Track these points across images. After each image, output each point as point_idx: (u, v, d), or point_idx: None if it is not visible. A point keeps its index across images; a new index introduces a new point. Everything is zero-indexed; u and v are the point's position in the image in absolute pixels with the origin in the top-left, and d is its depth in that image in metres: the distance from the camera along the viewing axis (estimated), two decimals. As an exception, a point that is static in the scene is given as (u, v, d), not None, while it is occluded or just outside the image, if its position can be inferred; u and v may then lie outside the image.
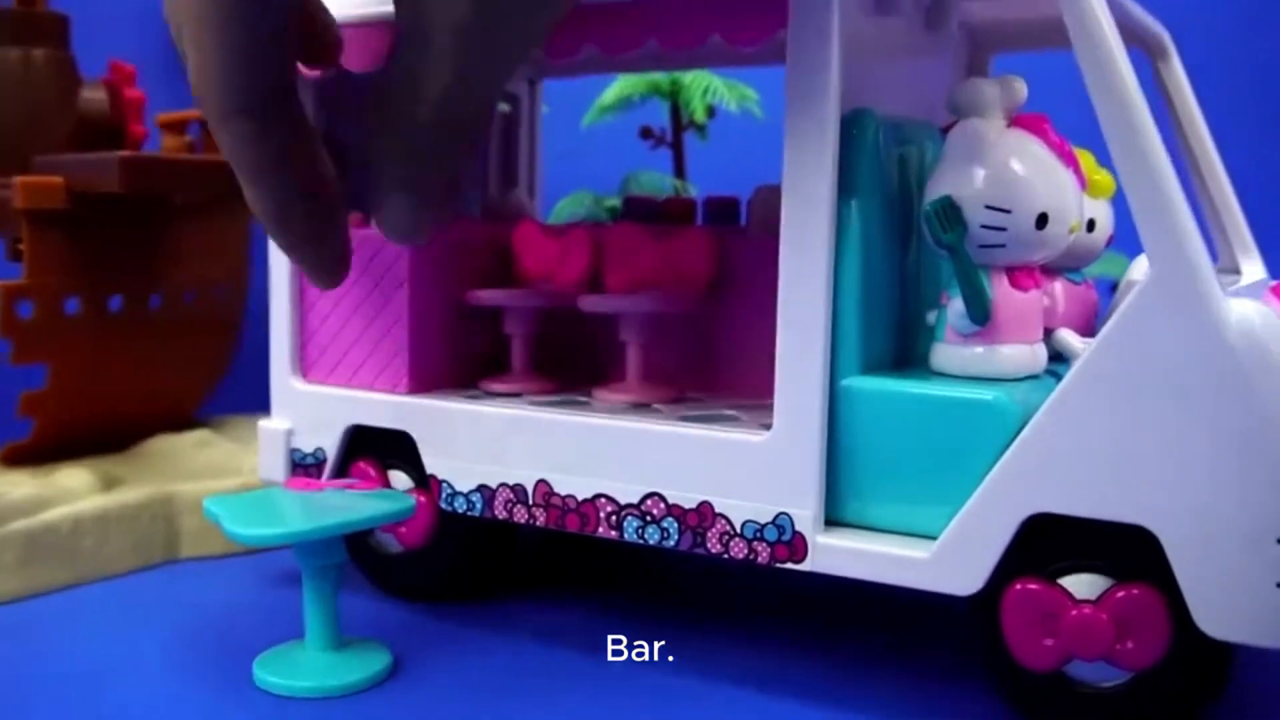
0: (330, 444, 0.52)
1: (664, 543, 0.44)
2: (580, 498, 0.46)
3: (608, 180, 0.75)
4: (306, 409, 0.53)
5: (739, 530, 0.42)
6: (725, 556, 0.43)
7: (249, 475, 0.58)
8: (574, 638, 0.48)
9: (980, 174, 0.40)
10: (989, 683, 0.41)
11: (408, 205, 0.39)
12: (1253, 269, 0.50)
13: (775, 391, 0.41)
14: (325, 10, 0.43)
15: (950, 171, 0.40)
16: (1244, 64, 0.82)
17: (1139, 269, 0.49)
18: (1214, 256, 0.51)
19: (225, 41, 0.35)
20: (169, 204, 0.64)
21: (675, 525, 0.44)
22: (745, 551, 0.42)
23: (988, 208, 0.40)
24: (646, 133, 0.76)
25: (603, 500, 0.45)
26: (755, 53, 0.44)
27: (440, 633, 0.48)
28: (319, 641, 0.44)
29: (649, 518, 0.44)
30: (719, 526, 0.43)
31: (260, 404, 0.55)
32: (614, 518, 0.45)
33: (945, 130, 0.48)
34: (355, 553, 0.53)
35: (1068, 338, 0.44)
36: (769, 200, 0.53)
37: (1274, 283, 0.45)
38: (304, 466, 0.53)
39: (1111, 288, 0.71)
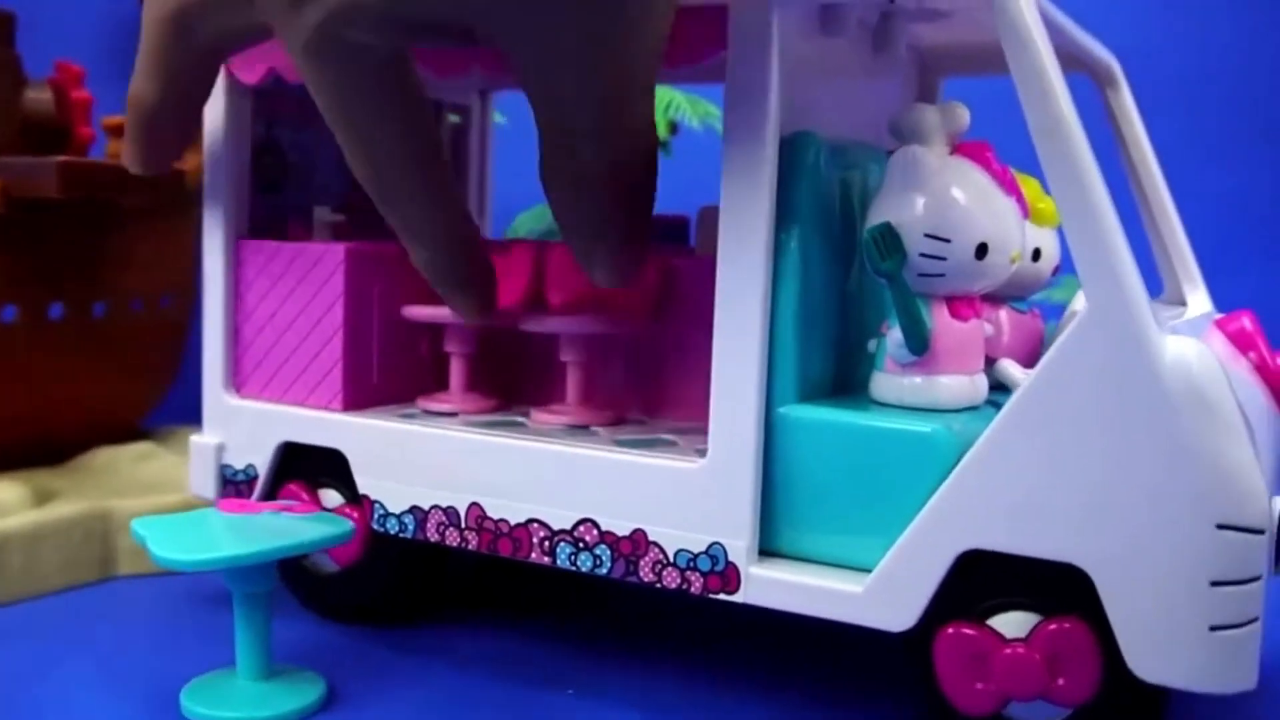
0: (261, 461, 0.51)
1: (596, 570, 0.43)
2: (513, 522, 0.45)
3: None
4: (238, 424, 0.52)
5: (672, 559, 0.41)
6: (658, 586, 0.42)
7: (188, 491, 0.57)
8: (510, 666, 0.47)
9: (920, 202, 0.39)
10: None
11: (608, 251, 0.41)
12: (1198, 301, 0.49)
13: (710, 418, 0.40)
14: None
15: (890, 198, 0.40)
16: (1196, 90, 0.82)
17: (1081, 300, 0.48)
18: (1160, 288, 0.51)
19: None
20: (116, 209, 0.62)
21: (608, 552, 0.43)
22: (678, 581, 0.41)
23: (927, 236, 0.39)
24: None
25: (535, 525, 0.44)
26: (708, 70, 0.43)
27: (374, 660, 0.47)
28: (250, 670, 0.42)
29: (582, 544, 0.43)
30: (652, 555, 0.42)
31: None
32: (546, 543, 0.44)
33: (890, 154, 0.48)
34: (285, 573, 0.51)
35: (1009, 368, 0.43)
36: (715, 220, 0.52)
37: (1218, 316, 0.44)
38: (234, 483, 0.52)
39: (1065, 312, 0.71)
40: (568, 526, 0.43)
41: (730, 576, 0.40)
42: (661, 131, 0.70)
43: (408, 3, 0.35)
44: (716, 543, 0.41)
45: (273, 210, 0.54)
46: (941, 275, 0.39)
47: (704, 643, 0.50)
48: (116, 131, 0.70)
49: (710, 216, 0.52)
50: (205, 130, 0.52)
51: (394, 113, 0.39)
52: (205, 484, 0.52)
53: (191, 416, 0.68)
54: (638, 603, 0.55)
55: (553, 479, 0.44)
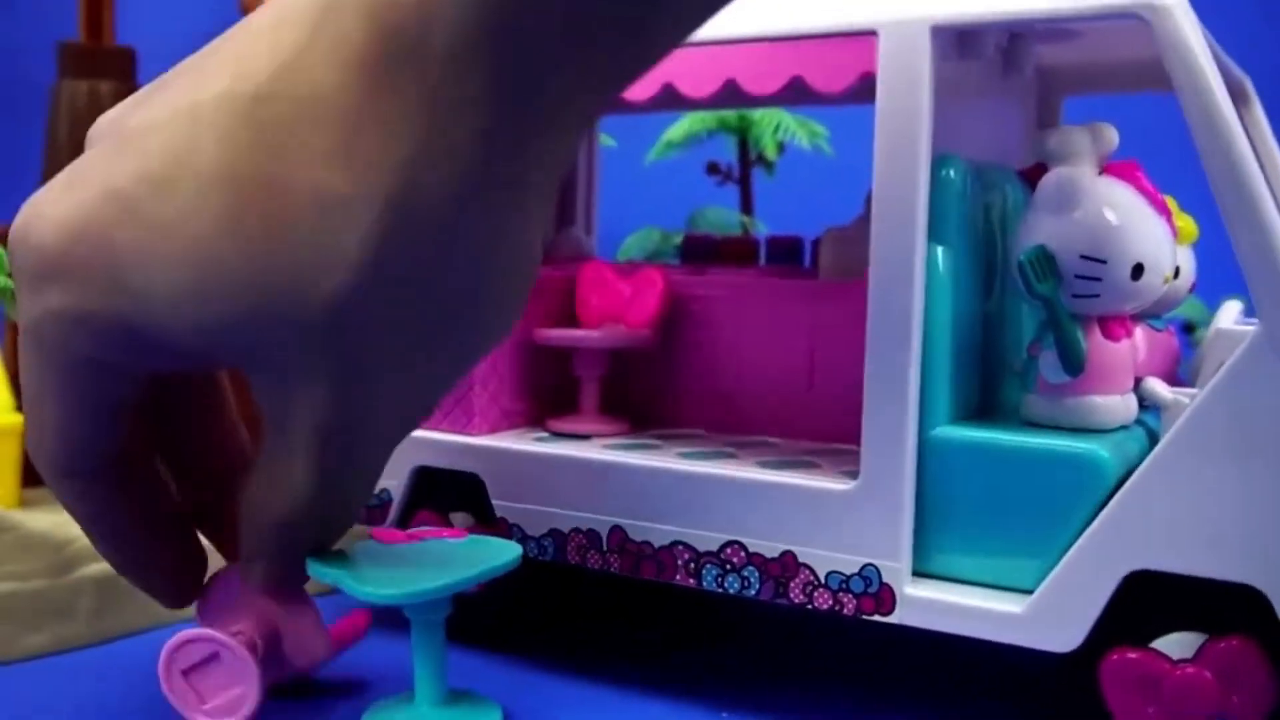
0: (396, 486, 0.52)
1: (744, 591, 0.43)
2: (657, 545, 0.45)
3: (672, 215, 0.75)
4: (373, 449, 0.52)
5: (823, 580, 0.42)
6: (809, 607, 0.42)
7: None
8: (658, 683, 0.47)
9: (1074, 223, 0.39)
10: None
11: (269, 572, 0.40)
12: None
13: (862, 439, 0.41)
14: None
15: (1043, 221, 0.40)
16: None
17: (1227, 316, 0.48)
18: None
19: (52, 417, 0.37)
20: None
21: (756, 574, 0.43)
22: (830, 603, 0.41)
23: (1083, 258, 0.39)
24: (713, 168, 0.76)
25: (680, 547, 0.44)
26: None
27: (534, 682, 0.47)
28: (429, 696, 0.42)
29: (729, 566, 0.43)
30: (802, 576, 0.42)
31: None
32: (692, 565, 0.44)
33: (1023, 174, 0.48)
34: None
35: (1156, 387, 0.43)
36: (838, 243, 0.52)
37: None
38: (368, 508, 0.53)
39: (1182, 328, 0.70)
40: (714, 549, 0.44)
41: (885, 598, 0.40)
42: (770, 152, 0.71)
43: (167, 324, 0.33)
44: (870, 564, 0.41)
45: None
46: (1096, 296, 0.39)
47: (852, 664, 0.50)
48: None
49: (834, 240, 0.53)
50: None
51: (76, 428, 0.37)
52: (340, 508, 0.53)
53: None
54: (777, 624, 0.55)
55: (699, 501, 0.44)
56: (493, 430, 0.51)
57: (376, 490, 0.52)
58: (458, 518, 0.51)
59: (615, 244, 0.71)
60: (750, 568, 0.43)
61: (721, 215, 0.73)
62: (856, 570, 0.41)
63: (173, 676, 0.41)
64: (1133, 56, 0.49)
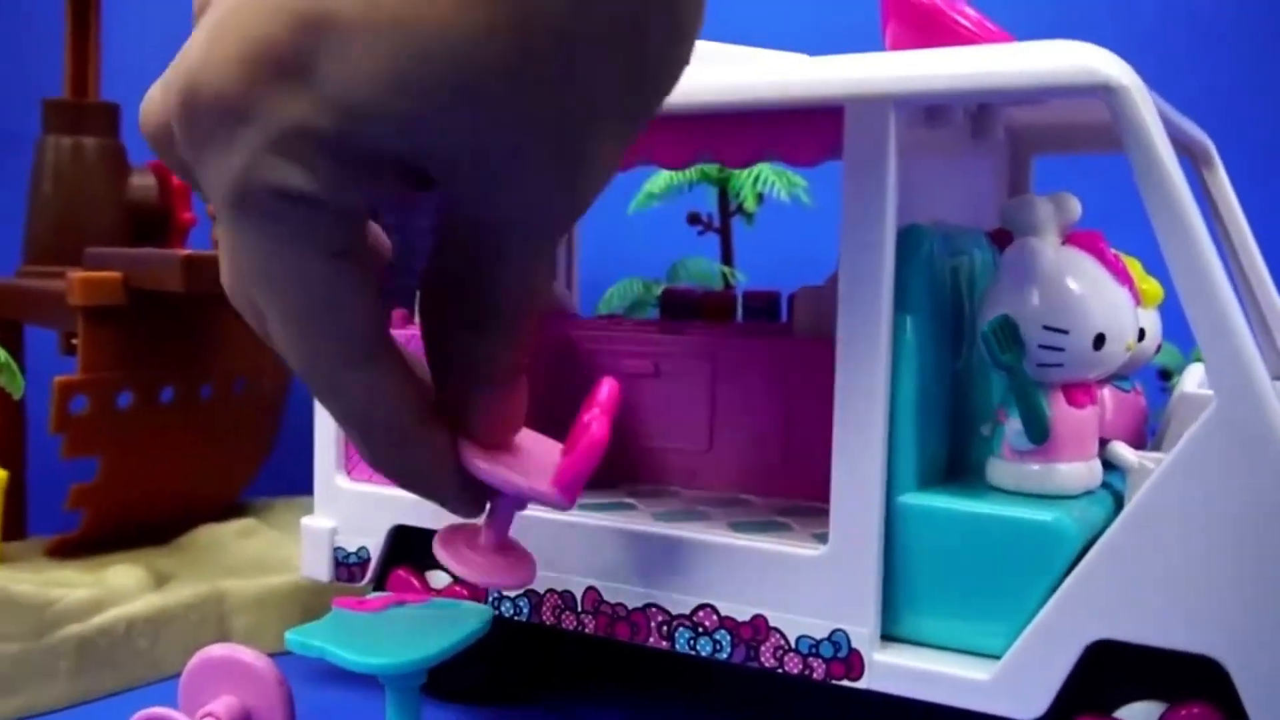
0: (374, 544, 0.52)
1: (716, 654, 0.44)
2: (630, 606, 0.45)
3: (654, 265, 0.76)
4: (350, 507, 0.53)
5: (794, 645, 0.42)
6: (779, 671, 0.42)
7: (296, 571, 0.58)
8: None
9: (1037, 294, 0.40)
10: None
11: (491, 398, 0.36)
12: (1302, 376, 0.50)
13: (831, 505, 0.41)
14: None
15: (1007, 291, 0.41)
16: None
17: (1192, 380, 0.49)
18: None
19: (305, 302, 0.33)
20: (221, 296, 0.64)
21: (728, 638, 0.43)
22: (800, 667, 0.42)
23: (1045, 328, 0.40)
24: (694, 219, 0.76)
25: (653, 609, 0.45)
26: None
27: None
28: None
29: (701, 629, 0.44)
30: (773, 640, 0.42)
31: (299, 486, 0.55)
32: (665, 628, 0.45)
33: (991, 236, 0.49)
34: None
35: (1122, 451, 0.43)
36: (812, 301, 0.53)
37: None
38: (346, 565, 0.53)
39: (1158, 374, 0.71)
40: (686, 611, 0.44)
41: (854, 663, 0.41)
42: (750, 204, 0.72)
43: (369, 124, 0.30)
44: (839, 629, 0.41)
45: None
46: (1060, 365, 0.40)
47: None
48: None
49: (808, 298, 0.53)
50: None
51: (337, 297, 0.32)
52: (319, 567, 0.53)
53: (284, 488, 0.71)
54: (754, 681, 0.55)
55: (671, 563, 0.44)
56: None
57: (354, 549, 0.53)
58: (435, 576, 0.51)
59: (597, 294, 0.71)
60: (722, 631, 0.43)
61: (702, 265, 0.74)
62: (826, 635, 0.41)
63: None
64: (1100, 120, 0.50)
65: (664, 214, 0.75)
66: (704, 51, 0.44)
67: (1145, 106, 0.36)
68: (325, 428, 0.53)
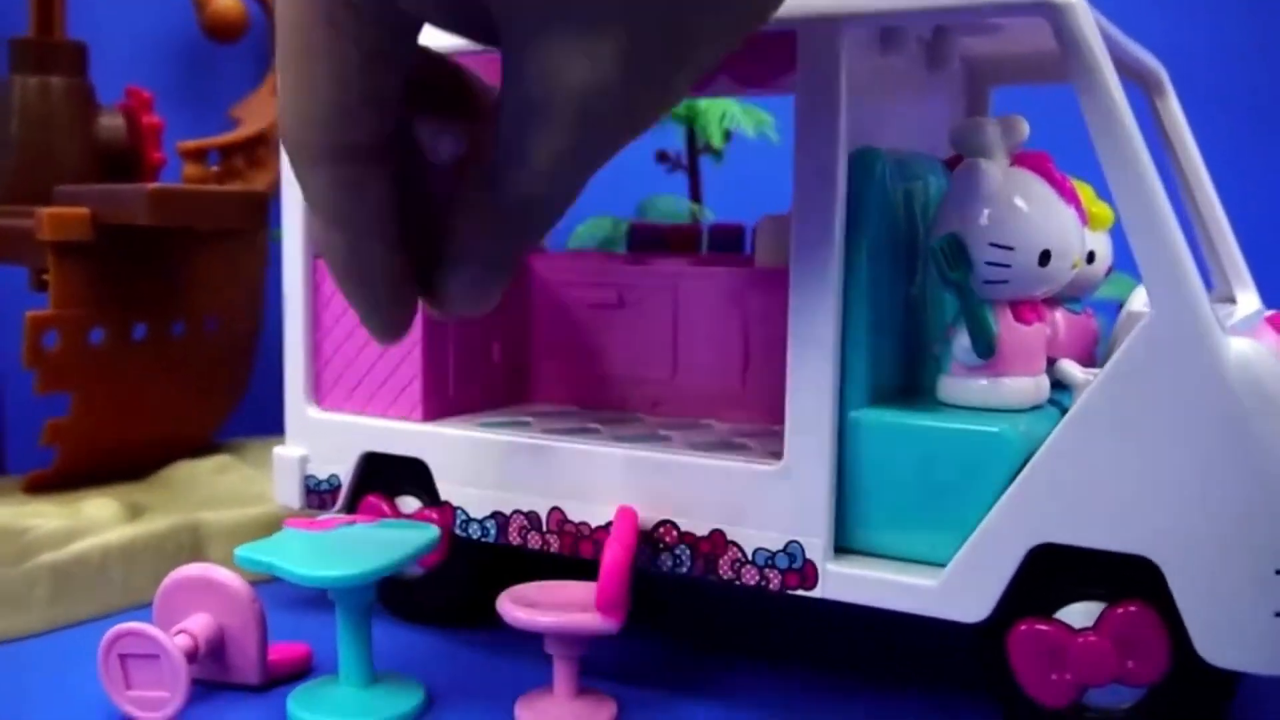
0: (344, 471, 0.53)
1: (676, 569, 0.45)
2: (594, 525, 0.47)
3: (623, 203, 0.76)
4: (321, 436, 0.54)
5: (750, 558, 0.43)
6: (736, 583, 0.44)
7: (270, 503, 0.59)
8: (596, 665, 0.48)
9: (984, 213, 0.41)
10: (998, 711, 0.42)
11: (478, 279, 0.36)
12: (1248, 298, 0.51)
13: (786, 422, 0.42)
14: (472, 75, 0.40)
15: (955, 210, 0.42)
16: (1238, 95, 0.83)
17: (1138, 299, 0.50)
18: (1210, 285, 0.53)
19: (314, 83, 0.32)
20: (191, 233, 0.65)
21: (688, 552, 0.45)
22: (756, 578, 0.43)
23: (992, 245, 0.41)
24: (662, 157, 0.77)
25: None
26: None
27: (464, 661, 0.49)
28: (354, 678, 0.44)
29: (662, 545, 0.45)
30: (731, 554, 0.44)
31: (274, 427, 0.56)
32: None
33: (948, 164, 0.50)
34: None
35: (1069, 368, 0.45)
36: (774, 230, 0.54)
37: (1270, 312, 0.46)
38: (318, 493, 0.54)
39: (1118, 309, 0.72)
40: (648, 529, 0.45)
41: (808, 573, 0.42)
42: (716, 141, 0.72)
43: None
44: (794, 541, 0.42)
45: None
46: (1006, 282, 0.41)
47: (784, 642, 0.52)
48: (191, 156, 0.72)
49: (769, 227, 0.54)
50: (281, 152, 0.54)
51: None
52: (290, 494, 0.54)
53: (259, 429, 0.73)
54: (705, 596, 0.57)
55: (634, 483, 0.46)
56: (438, 417, 0.53)
57: (324, 476, 0.54)
58: (404, 502, 0.52)
59: (566, 232, 0.72)
60: (682, 546, 0.45)
61: (671, 203, 0.74)
62: (781, 547, 0.43)
63: (110, 658, 0.42)
64: (1053, 49, 0.50)
65: (632, 152, 0.76)
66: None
67: (1089, 26, 0.37)
68: (294, 359, 0.54)
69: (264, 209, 0.64)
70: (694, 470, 0.44)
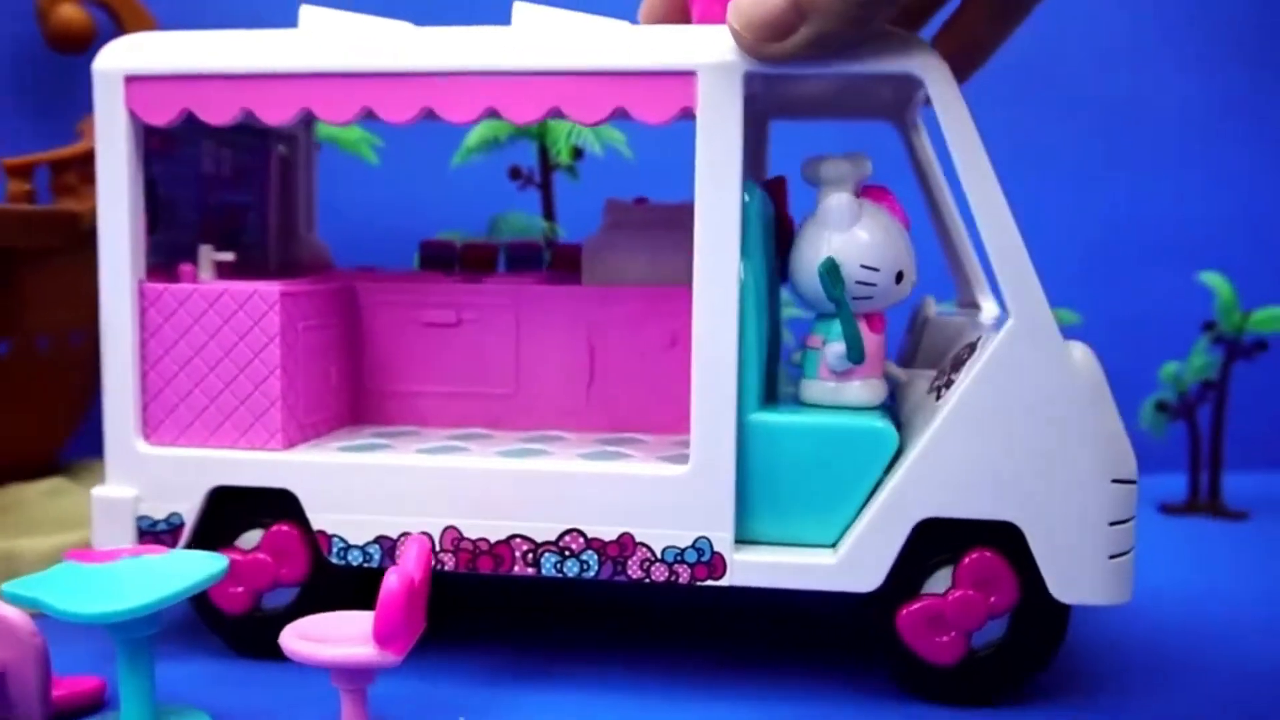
0: (188, 509, 0.50)
1: (583, 574, 0.47)
2: (493, 540, 0.48)
3: (476, 220, 0.76)
4: (155, 473, 0.50)
5: (660, 556, 0.47)
6: (646, 581, 0.47)
7: None
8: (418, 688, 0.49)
9: (855, 239, 0.47)
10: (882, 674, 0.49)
11: None
12: (988, 304, 0.61)
13: (692, 427, 0.46)
14: None
15: (830, 236, 0.47)
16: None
17: (930, 309, 0.59)
18: (955, 293, 0.63)
19: None
20: (14, 251, 0.60)
21: (595, 558, 0.47)
22: (666, 574, 0.47)
23: (863, 266, 0.47)
24: (515, 173, 0.77)
25: (518, 540, 0.48)
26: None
27: (256, 693, 0.48)
28: (135, 713, 0.42)
29: (568, 553, 0.48)
30: (640, 554, 0.47)
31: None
32: (530, 555, 0.48)
33: (766, 187, 0.56)
34: (206, 616, 0.51)
35: (891, 369, 0.52)
36: (598, 248, 0.58)
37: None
38: (155, 534, 0.50)
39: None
40: (552, 539, 0.48)
41: (716, 565, 0.47)
42: (565, 157, 0.74)
43: None
44: (703, 536, 0.47)
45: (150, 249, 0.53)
46: (870, 298, 0.48)
47: (685, 630, 0.55)
48: (15, 172, 0.66)
49: (592, 249, 0.58)
50: (102, 172, 0.50)
51: None
52: (118, 538, 0.50)
53: (99, 450, 0.66)
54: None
55: (537, 496, 0.48)
56: (292, 444, 0.51)
57: (162, 516, 0.50)
58: (248, 538, 0.51)
59: (413, 250, 0.71)
60: (589, 552, 0.47)
61: (522, 220, 0.75)
62: (690, 543, 0.47)
63: None
64: (819, 90, 0.58)
65: (484, 169, 0.76)
66: (548, 17, 0.47)
67: (953, 86, 0.44)
68: (118, 392, 0.50)
69: (78, 228, 0.59)
70: (603, 479, 0.47)
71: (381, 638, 0.40)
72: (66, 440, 0.71)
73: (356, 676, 0.42)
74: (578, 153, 0.75)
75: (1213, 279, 0.79)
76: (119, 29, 0.79)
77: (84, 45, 0.78)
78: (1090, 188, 0.88)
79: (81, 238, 0.61)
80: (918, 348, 0.58)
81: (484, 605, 0.58)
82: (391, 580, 0.41)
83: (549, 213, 0.77)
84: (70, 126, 0.77)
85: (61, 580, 0.42)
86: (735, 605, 0.58)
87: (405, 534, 0.48)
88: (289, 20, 0.50)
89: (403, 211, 0.84)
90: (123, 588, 0.41)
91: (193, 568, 0.43)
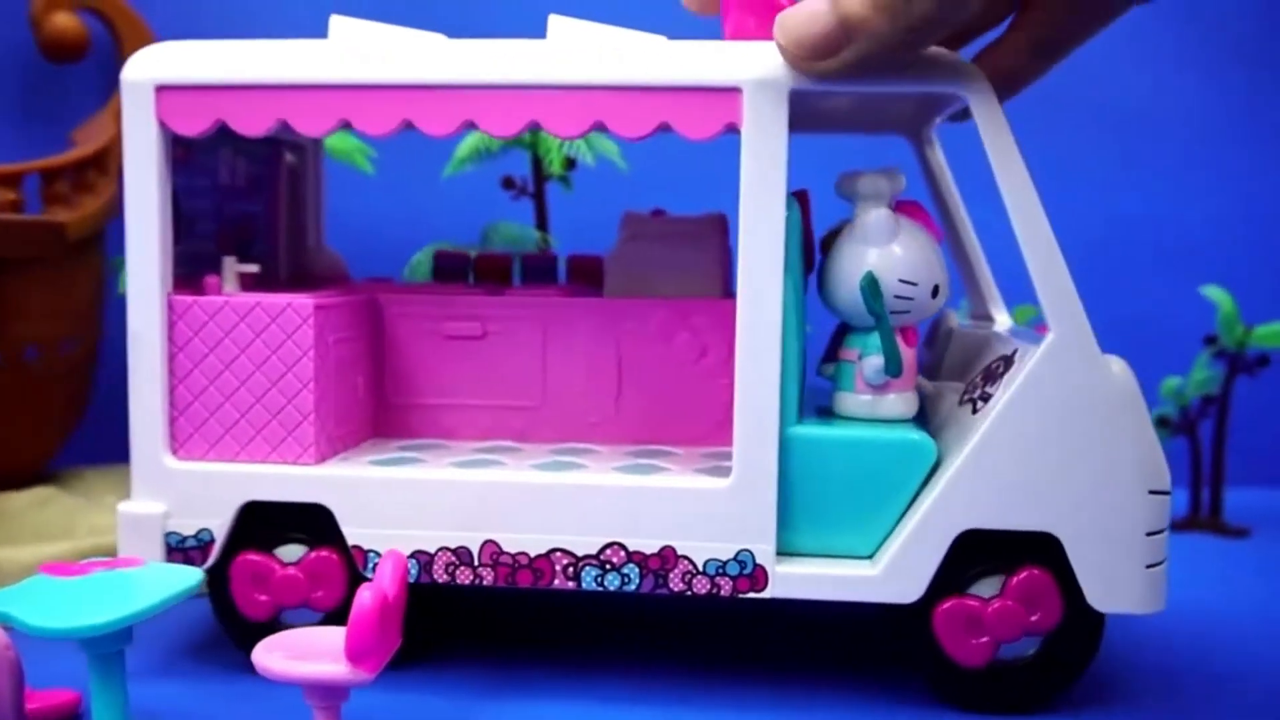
0: (218, 524, 0.50)
1: (624, 588, 0.48)
2: (533, 554, 0.48)
3: (469, 230, 0.76)
4: (184, 488, 0.50)
5: (701, 569, 0.47)
6: (688, 594, 0.47)
7: (84, 537, 0.53)
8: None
9: (894, 254, 0.48)
10: (918, 683, 0.49)
11: None
12: (1002, 316, 0.62)
13: (735, 441, 0.47)
14: None
15: (869, 251, 0.48)
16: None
17: (952, 320, 0.60)
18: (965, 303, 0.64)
19: None
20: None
21: (636, 570, 0.47)
22: (708, 587, 0.47)
23: (901, 281, 0.48)
24: (508, 183, 0.77)
25: (559, 554, 0.48)
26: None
27: (228, 709, 0.47)
28: None
29: (609, 566, 0.48)
30: (681, 567, 0.47)
31: (112, 454, 0.51)
32: (571, 569, 0.48)
33: (795, 197, 0.56)
34: (234, 631, 0.51)
35: (920, 381, 0.53)
36: (621, 260, 0.58)
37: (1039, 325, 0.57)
38: (183, 550, 0.50)
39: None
40: (593, 552, 0.48)
41: (759, 577, 0.47)
42: (556, 168, 0.74)
43: None
44: (745, 549, 0.47)
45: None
46: (908, 312, 0.48)
47: (726, 645, 0.56)
48: (1, 181, 0.65)
49: (616, 263, 0.58)
50: (130, 183, 0.49)
51: None
52: (147, 555, 0.49)
53: (94, 458, 0.68)
54: (602, 614, 0.59)
55: (577, 510, 0.48)
56: (324, 458, 0.51)
57: (192, 532, 0.50)
58: (286, 551, 0.50)
59: (406, 260, 0.70)
60: (630, 565, 0.47)
61: (514, 230, 0.74)
62: (732, 556, 0.47)
63: None
64: (841, 104, 0.58)
65: (476, 179, 0.75)
66: (585, 31, 0.47)
67: (995, 104, 0.45)
68: (147, 406, 0.50)
69: (63, 238, 0.58)
70: (645, 493, 0.47)
71: (354, 655, 0.40)
72: (57, 450, 0.70)
73: (329, 694, 0.41)
74: (570, 163, 0.75)
75: (1215, 293, 0.79)
76: (113, 38, 0.78)
77: (78, 54, 0.76)
78: (1088, 200, 0.89)
79: (69, 248, 0.60)
80: (942, 360, 0.58)
81: (462, 620, 0.58)
82: (364, 597, 0.40)
83: (542, 223, 0.77)
84: (63, 135, 0.76)
85: (34, 594, 0.41)
86: (720, 616, 0.59)
87: (443, 549, 0.48)
88: (288, 30, 0.50)
89: (395, 221, 0.83)
90: (94, 602, 0.41)
91: (166, 582, 0.43)
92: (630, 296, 0.57)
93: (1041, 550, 0.46)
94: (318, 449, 0.50)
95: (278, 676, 0.40)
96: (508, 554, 0.48)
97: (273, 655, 0.41)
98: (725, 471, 0.48)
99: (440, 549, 0.48)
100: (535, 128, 0.48)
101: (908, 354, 0.49)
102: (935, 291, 0.49)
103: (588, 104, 0.47)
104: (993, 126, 0.45)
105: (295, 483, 0.49)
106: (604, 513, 0.47)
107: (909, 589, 0.46)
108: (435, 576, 0.48)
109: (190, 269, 0.54)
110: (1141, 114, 0.90)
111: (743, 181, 0.46)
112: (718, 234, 0.59)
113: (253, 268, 0.54)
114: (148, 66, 0.49)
